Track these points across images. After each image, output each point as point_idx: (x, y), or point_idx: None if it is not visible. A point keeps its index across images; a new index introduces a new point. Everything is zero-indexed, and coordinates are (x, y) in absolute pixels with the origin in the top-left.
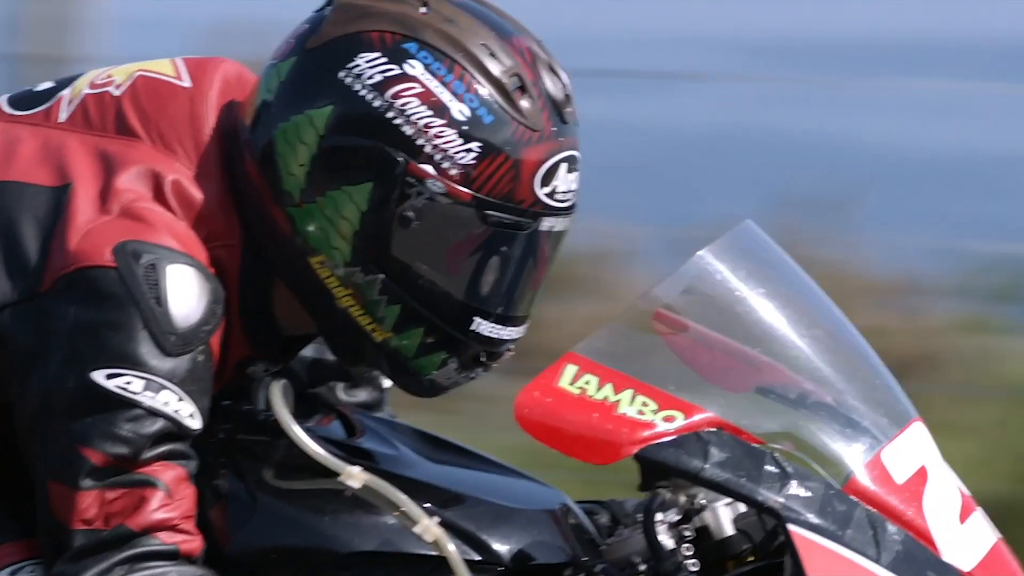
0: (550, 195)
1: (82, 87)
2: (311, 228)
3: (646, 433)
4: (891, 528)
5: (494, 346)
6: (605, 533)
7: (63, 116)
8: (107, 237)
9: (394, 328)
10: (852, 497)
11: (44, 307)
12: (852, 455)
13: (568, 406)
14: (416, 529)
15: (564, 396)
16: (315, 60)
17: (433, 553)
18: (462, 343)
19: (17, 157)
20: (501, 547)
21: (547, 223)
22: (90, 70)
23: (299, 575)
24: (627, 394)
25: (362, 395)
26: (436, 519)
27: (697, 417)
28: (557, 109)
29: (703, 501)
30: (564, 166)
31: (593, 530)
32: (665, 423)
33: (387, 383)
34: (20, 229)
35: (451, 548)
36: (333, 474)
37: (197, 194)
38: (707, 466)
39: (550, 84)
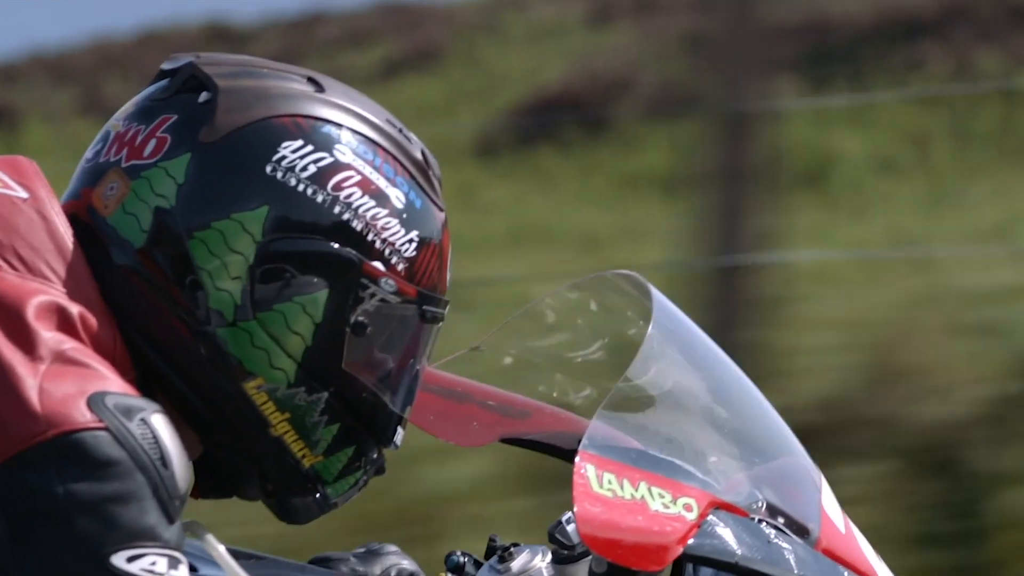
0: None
1: None
2: (249, 349)
3: (680, 527)
4: None
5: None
6: None
7: None
8: (67, 391)
9: (326, 451)
10: (828, 558)
11: (10, 484)
12: (806, 511)
13: (615, 513)
14: None
15: (606, 503)
16: (224, 155)
17: None
18: (377, 458)
19: None
20: None
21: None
22: None
23: None
24: (643, 488)
25: None
26: None
27: (704, 501)
28: (440, 184)
29: None
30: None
31: None
32: (687, 512)
33: None
34: None
35: None
36: None
37: (97, 326)
38: (739, 551)
39: (431, 156)
